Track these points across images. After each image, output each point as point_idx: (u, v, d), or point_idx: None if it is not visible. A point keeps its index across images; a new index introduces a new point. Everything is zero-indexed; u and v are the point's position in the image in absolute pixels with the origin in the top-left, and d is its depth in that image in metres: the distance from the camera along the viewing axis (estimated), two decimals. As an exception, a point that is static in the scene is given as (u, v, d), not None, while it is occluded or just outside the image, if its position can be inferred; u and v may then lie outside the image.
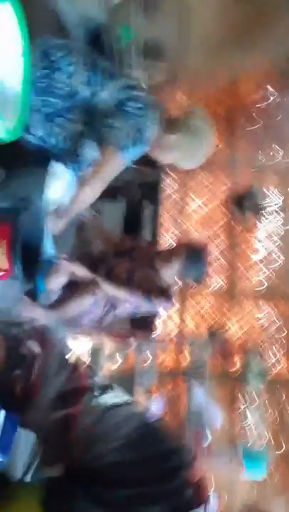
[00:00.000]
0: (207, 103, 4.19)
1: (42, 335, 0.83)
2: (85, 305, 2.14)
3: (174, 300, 2.38)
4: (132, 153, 1.78)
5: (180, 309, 3.96)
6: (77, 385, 0.72)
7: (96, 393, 0.72)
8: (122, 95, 1.69)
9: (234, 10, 3.82)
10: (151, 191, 4.09)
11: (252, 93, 4.49)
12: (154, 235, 3.86)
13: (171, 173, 4.32)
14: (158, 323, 3.89)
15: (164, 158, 1.92)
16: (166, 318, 3.87)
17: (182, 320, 3.93)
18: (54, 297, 2.25)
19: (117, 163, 1.77)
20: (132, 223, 3.77)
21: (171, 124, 1.84)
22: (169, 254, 2.30)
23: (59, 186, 1.91)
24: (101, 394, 0.72)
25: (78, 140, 1.78)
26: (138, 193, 4.06)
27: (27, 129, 1.70)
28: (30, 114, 1.65)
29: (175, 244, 2.99)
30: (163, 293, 2.25)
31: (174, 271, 2.26)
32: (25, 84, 1.31)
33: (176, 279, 2.42)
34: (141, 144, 1.74)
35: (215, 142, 1.91)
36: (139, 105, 1.72)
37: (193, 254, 2.24)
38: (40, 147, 1.80)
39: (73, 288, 2.20)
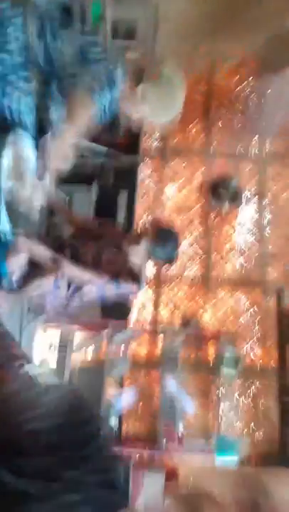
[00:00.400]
0: (185, 86, 4.10)
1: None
2: (45, 285, 2.05)
3: (143, 283, 2.31)
4: (103, 98, 1.63)
5: (153, 297, 3.89)
6: (5, 353, 0.71)
7: (22, 361, 0.72)
8: (79, 42, 1.58)
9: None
10: (126, 177, 4.01)
11: (228, 80, 4.44)
12: (130, 221, 3.78)
13: (147, 159, 4.24)
14: (132, 313, 3.83)
15: (132, 111, 1.81)
16: (140, 307, 3.80)
17: (155, 308, 3.86)
18: (15, 278, 2.16)
19: (88, 106, 1.60)
20: (106, 209, 3.68)
21: (139, 75, 1.74)
22: (137, 235, 2.22)
23: (16, 157, 1.79)
24: (26, 362, 0.73)
25: (39, 102, 1.67)
26: (112, 179, 3.98)
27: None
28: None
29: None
30: (131, 276, 2.18)
31: (142, 252, 2.18)
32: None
33: (147, 262, 2.34)
34: (110, 88, 1.63)
35: (184, 95, 1.81)
36: (100, 49, 1.61)
37: (161, 233, 2.16)
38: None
39: (34, 269, 2.11)
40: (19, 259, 2.04)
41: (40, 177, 1.80)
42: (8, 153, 1.73)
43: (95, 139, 3.91)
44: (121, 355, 3.52)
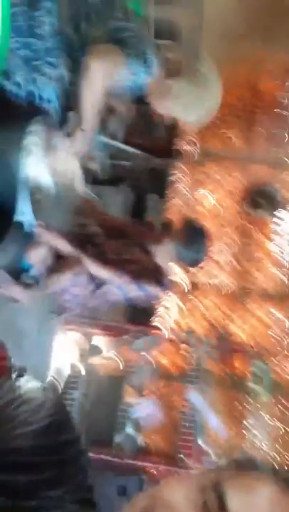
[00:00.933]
0: (226, 90, 4.00)
1: None
2: (63, 281, 1.97)
3: (168, 286, 2.19)
4: (134, 68, 1.50)
5: (180, 304, 3.74)
6: None
7: (13, 375, 0.70)
8: (112, 25, 1.51)
9: (256, 3, 3.68)
10: (158, 181, 3.93)
11: (270, 85, 4.29)
12: (159, 225, 3.68)
13: (181, 164, 4.13)
14: (156, 319, 3.70)
15: (164, 107, 1.70)
16: (164, 313, 3.66)
17: (181, 316, 3.71)
18: (37, 272, 2.10)
19: (120, 59, 1.49)
20: (136, 211, 3.61)
21: (175, 70, 1.64)
22: (163, 234, 2.10)
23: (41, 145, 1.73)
24: (17, 376, 0.70)
25: (64, 90, 1.60)
26: (144, 181, 3.91)
27: (5, 75, 1.53)
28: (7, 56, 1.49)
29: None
30: (156, 278, 2.07)
31: (167, 253, 2.06)
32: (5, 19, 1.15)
33: (172, 263, 2.22)
34: (141, 64, 1.52)
35: (221, 96, 1.68)
36: (134, 34, 1.53)
37: (188, 233, 2.02)
38: (22, 98, 1.63)
39: (58, 264, 2.05)
40: (40, 253, 1.97)
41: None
42: (33, 140, 1.67)
43: (128, 142, 3.87)
44: (142, 363, 3.39)
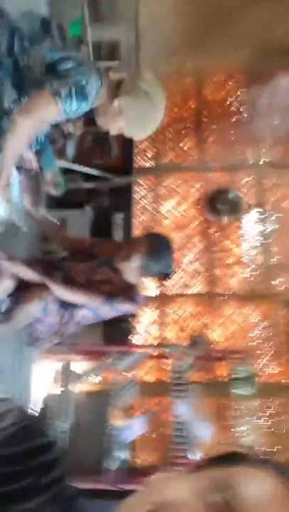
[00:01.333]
0: (174, 103, 4.11)
1: None
2: (33, 311, 1.92)
3: (141, 303, 2.17)
4: (69, 107, 1.56)
5: (158, 319, 3.73)
6: None
7: None
8: (50, 57, 1.55)
9: (192, 13, 3.79)
10: (121, 198, 3.95)
11: (218, 94, 4.42)
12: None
13: (141, 180, 4.17)
14: (134, 336, 3.67)
15: (112, 126, 1.73)
16: (143, 331, 3.64)
17: (161, 330, 3.69)
18: (3, 308, 2.04)
19: (51, 108, 1.55)
20: (102, 231, 3.59)
21: (116, 87, 1.66)
22: (128, 251, 2.07)
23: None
24: None
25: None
26: (106, 200, 3.91)
27: None
28: None
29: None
30: (127, 295, 2.04)
31: (135, 269, 2.04)
32: None
33: (141, 278, 2.20)
34: (79, 105, 1.57)
35: (163, 109, 1.72)
36: (72, 65, 1.56)
37: (154, 246, 1.99)
38: None
39: (22, 295, 1.99)
40: (3, 284, 1.92)
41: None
42: None
43: (86, 164, 3.88)
44: (126, 382, 3.32)
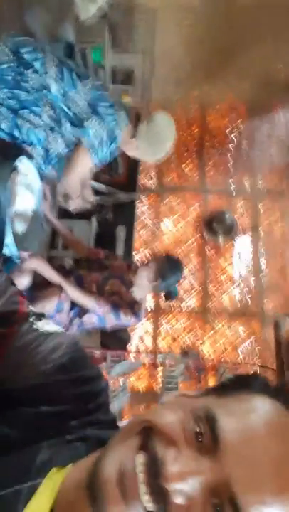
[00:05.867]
0: (178, 128, 4.34)
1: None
2: (48, 308, 2.08)
3: (142, 316, 2.30)
4: (101, 153, 1.87)
5: (152, 330, 3.90)
6: (14, 309, 0.72)
7: (31, 319, 0.71)
8: (91, 95, 1.78)
9: (199, 49, 4.08)
10: (124, 213, 4.15)
11: (219, 123, 4.71)
12: (128, 254, 3.87)
13: (143, 197, 4.40)
14: (131, 344, 3.81)
15: (130, 149, 2.02)
16: (138, 339, 3.80)
17: (154, 340, 3.86)
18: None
19: (86, 163, 1.88)
20: (105, 242, 3.78)
21: (136, 119, 1.93)
22: (145, 266, 2.22)
23: (23, 182, 1.90)
24: (35, 320, 0.71)
25: (45, 134, 1.81)
26: (110, 214, 4.11)
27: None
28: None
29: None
30: (131, 308, 2.18)
31: (145, 285, 2.18)
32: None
33: (149, 294, 2.38)
34: (109, 148, 1.86)
35: (173, 137, 2.02)
36: (108, 104, 1.80)
37: (170, 263, 2.18)
38: (8, 141, 1.81)
39: (38, 291, 2.15)
40: (23, 280, 2.08)
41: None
42: (14, 179, 1.84)
43: (95, 179, 4.08)
44: (119, 388, 3.46)
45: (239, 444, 0.44)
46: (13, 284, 0.76)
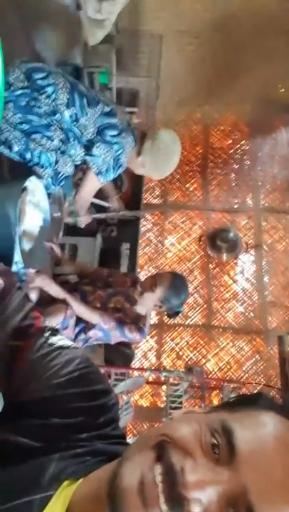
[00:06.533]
0: (182, 147, 4.41)
1: (5, 273, 0.86)
2: (54, 324, 2.10)
3: (146, 334, 2.31)
4: (108, 176, 2.01)
5: (156, 347, 3.91)
6: (31, 323, 0.75)
7: (46, 334, 0.75)
8: (100, 122, 1.87)
9: (202, 71, 4.20)
10: (128, 230, 4.20)
11: (222, 142, 4.80)
12: (132, 271, 3.90)
13: (148, 215, 4.46)
14: (135, 361, 3.81)
15: (135, 171, 2.11)
16: (142, 356, 3.81)
17: (158, 358, 3.86)
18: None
19: (95, 184, 2.06)
20: (109, 258, 3.81)
21: (142, 138, 2.03)
22: (152, 282, 2.20)
23: (32, 201, 1.96)
24: (50, 335, 0.75)
25: (56, 157, 1.89)
26: (115, 231, 4.16)
27: (4, 144, 1.78)
28: (7, 129, 1.75)
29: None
30: (136, 325, 2.19)
31: (155, 299, 2.18)
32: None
33: (154, 310, 2.39)
34: (116, 169, 1.97)
35: (178, 156, 2.10)
36: (116, 132, 1.88)
37: (175, 287, 2.16)
38: (19, 161, 1.88)
39: (44, 307, 2.17)
40: (31, 296, 2.11)
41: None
42: (24, 198, 1.90)
43: (100, 196, 4.15)
44: (123, 404, 3.45)
45: (255, 455, 0.46)
46: (29, 299, 0.80)
